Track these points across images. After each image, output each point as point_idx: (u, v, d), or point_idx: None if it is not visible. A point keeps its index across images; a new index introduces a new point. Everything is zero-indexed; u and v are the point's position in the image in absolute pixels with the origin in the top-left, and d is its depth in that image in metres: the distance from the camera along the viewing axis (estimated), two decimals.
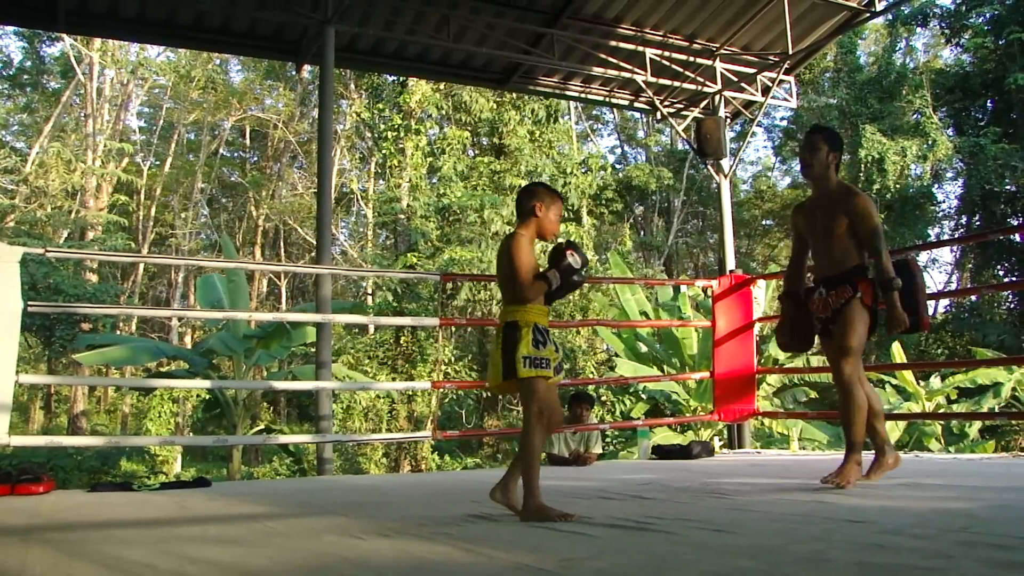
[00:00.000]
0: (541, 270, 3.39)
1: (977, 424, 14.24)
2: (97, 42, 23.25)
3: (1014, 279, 23.26)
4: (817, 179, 4.30)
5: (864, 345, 4.18)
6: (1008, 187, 23.52)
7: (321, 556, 2.47)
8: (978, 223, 24.61)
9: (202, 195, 29.39)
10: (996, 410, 13.87)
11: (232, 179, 31.76)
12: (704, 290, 12.89)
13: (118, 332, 20.50)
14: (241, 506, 4.12)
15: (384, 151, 19.80)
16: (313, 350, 9.73)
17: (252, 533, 3.05)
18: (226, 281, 13.64)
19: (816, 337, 4.44)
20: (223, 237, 19.81)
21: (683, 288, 14.88)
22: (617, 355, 14.93)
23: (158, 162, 28.68)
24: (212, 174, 29.54)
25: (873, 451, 4.37)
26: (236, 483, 9.70)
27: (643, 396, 14.62)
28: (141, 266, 26.64)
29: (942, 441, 13.50)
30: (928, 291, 4.49)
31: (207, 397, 14.73)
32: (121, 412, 25.11)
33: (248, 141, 31.57)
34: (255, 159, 32.21)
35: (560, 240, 3.72)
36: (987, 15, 24.13)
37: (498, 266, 3.50)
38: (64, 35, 21.54)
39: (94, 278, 21.27)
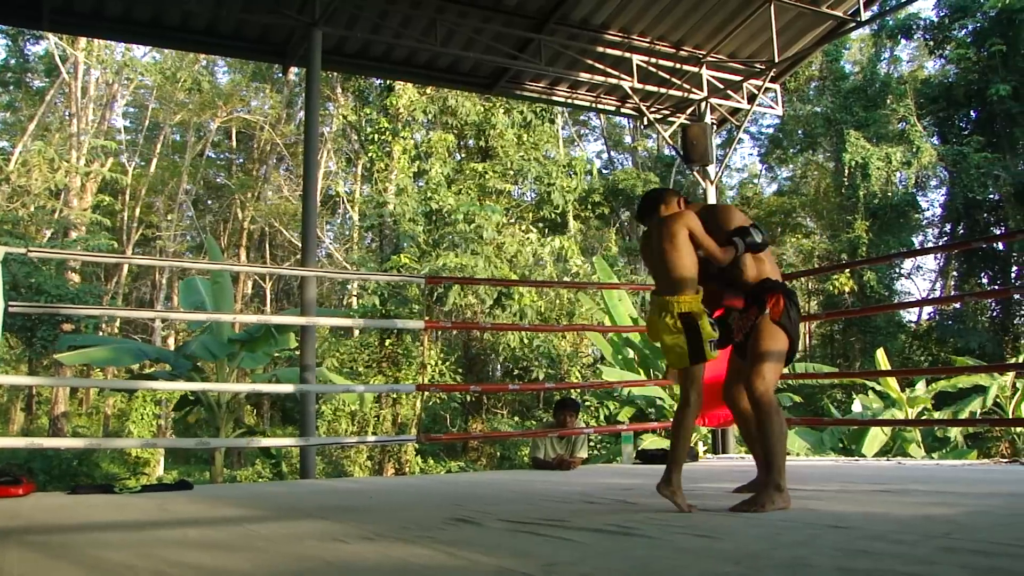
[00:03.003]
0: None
1: (958, 429, 14.32)
2: (82, 41, 23.11)
3: (997, 287, 23.45)
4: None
5: (781, 361, 3.87)
6: (991, 196, 23.73)
7: (303, 560, 2.46)
8: (961, 231, 24.82)
9: (187, 196, 29.26)
10: (978, 416, 13.98)
11: (218, 181, 31.67)
12: None
13: (100, 333, 20.38)
14: (223, 509, 4.10)
15: (371, 154, 19.78)
16: (297, 353, 9.70)
17: (233, 536, 3.04)
18: (210, 283, 13.56)
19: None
20: (208, 238, 19.71)
21: None
22: (603, 360, 14.93)
23: (143, 162, 28.54)
24: (198, 175, 29.44)
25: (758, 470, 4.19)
26: (218, 486, 9.65)
27: (635, 400, 14.62)
28: (125, 267, 26.48)
29: (922, 447, 13.57)
30: (911, 298, 4.41)
31: (182, 396, 14.62)
32: (103, 414, 24.94)
33: (234, 143, 31.47)
34: (241, 161, 32.11)
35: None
36: (969, 27, 24.41)
37: (652, 250, 3.65)
38: (49, 34, 21.42)
39: (77, 278, 21.13)
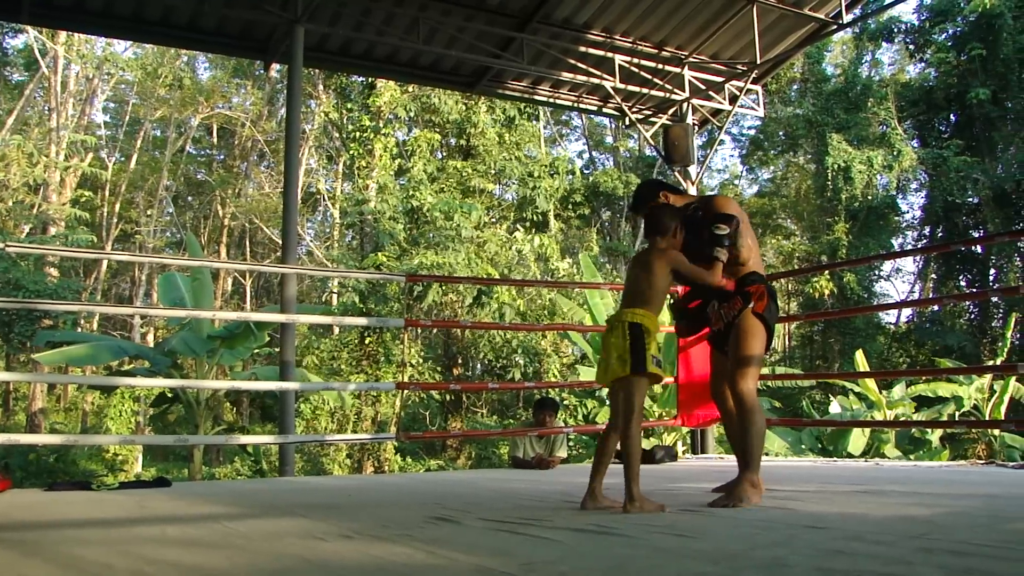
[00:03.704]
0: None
1: (939, 432, 14.45)
2: (62, 35, 22.92)
3: (975, 290, 23.67)
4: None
5: (762, 359, 3.99)
6: (970, 199, 23.94)
7: (281, 557, 2.45)
8: (941, 234, 25.02)
9: (168, 192, 29.03)
10: (956, 418, 14.11)
11: (198, 177, 31.46)
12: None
13: (79, 329, 20.21)
14: (201, 506, 4.08)
15: (352, 152, 19.72)
16: (277, 350, 9.66)
17: (212, 534, 3.02)
18: (190, 280, 13.49)
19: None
20: (188, 235, 19.60)
21: None
22: (583, 359, 14.95)
23: (123, 158, 28.32)
24: (178, 171, 29.22)
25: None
26: (197, 483, 9.60)
27: (609, 401, 14.66)
28: (104, 263, 26.28)
29: (898, 449, 13.68)
30: (890, 300, 4.45)
31: (161, 393, 14.53)
32: (81, 410, 24.74)
33: (215, 139, 31.30)
34: (222, 157, 31.92)
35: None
36: (950, 31, 24.66)
37: (635, 271, 3.74)
38: (28, 27, 21.23)
39: (56, 273, 20.95)
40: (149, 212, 28.47)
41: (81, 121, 26.29)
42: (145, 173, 28.43)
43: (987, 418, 14.14)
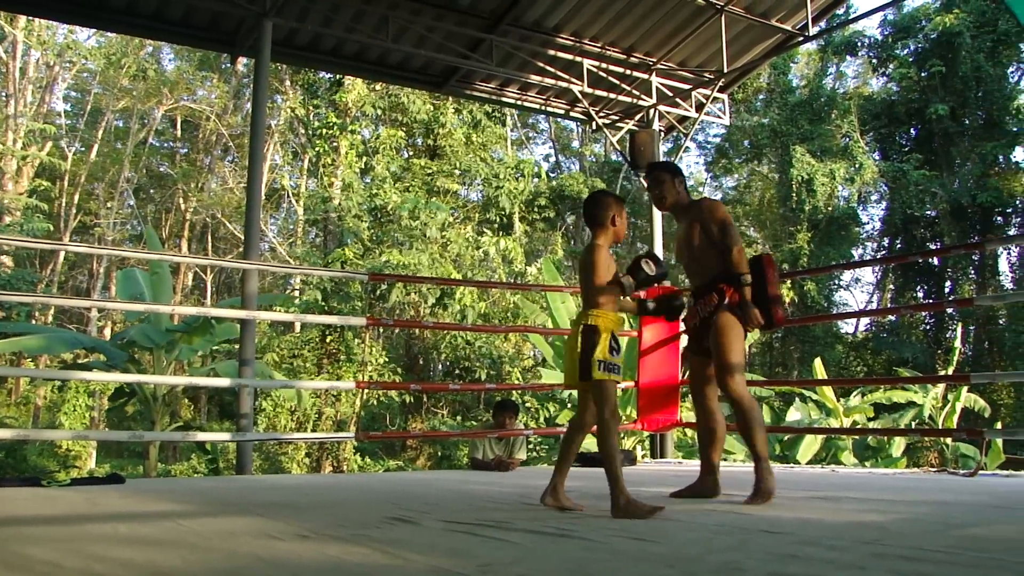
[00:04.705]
0: (619, 275, 3.65)
1: (900, 441, 14.66)
2: (22, 20, 22.53)
3: (931, 301, 24.08)
4: (673, 207, 4.34)
5: (744, 353, 4.12)
6: (928, 212, 24.36)
7: (236, 556, 2.42)
8: (900, 246, 25.45)
9: (129, 184, 28.62)
10: (912, 426, 14.34)
11: (161, 170, 31.08)
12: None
13: (33, 321, 19.87)
14: (155, 504, 4.02)
15: (318, 148, 19.59)
16: (237, 347, 9.55)
17: (165, 532, 2.97)
18: (149, 274, 13.29)
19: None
20: (148, 228, 19.30)
21: None
22: (544, 362, 14.96)
23: (83, 148, 27.86)
24: (140, 163, 28.82)
25: (700, 470, 4.33)
26: (151, 480, 9.48)
27: (569, 404, 14.68)
28: (61, 254, 25.84)
29: (856, 457, 13.86)
30: (849, 310, 4.55)
31: (117, 388, 14.31)
32: (33, 404, 24.32)
33: (179, 132, 30.94)
34: (185, 150, 31.57)
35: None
36: (911, 48, 25.13)
37: (581, 274, 3.75)
38: None
39: (10, 263, 20.59)
40: (109, 204, 28.03)
41: (40, 109, 25.86)
42: (106, 164, 27.99)
43: (940, 427, 14.38)
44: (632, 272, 3.68)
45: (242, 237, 17.49)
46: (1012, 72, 25.02)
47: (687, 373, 4.48)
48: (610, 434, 3.44)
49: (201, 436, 10.75)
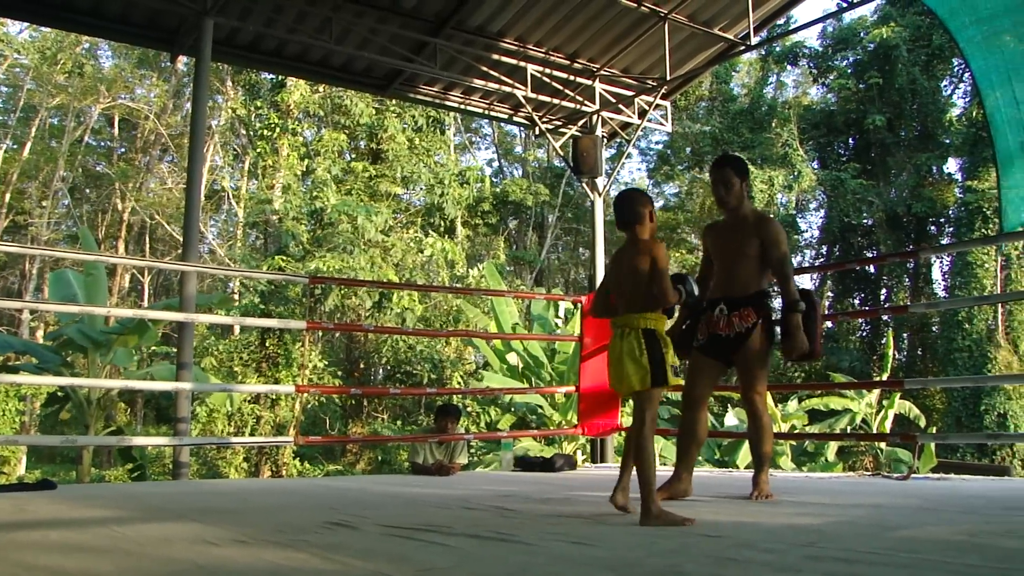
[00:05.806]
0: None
1: (834, 446, 14.93)
2: None
3: (868, 308, 24.59)
4: (734, 210, 4.40)
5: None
6: (865, 220, 24.88)
7: (171, 563, 2.38)
8: (837, 253, 25.94)
9: (63, 184, 27.95)
10: (848, 432, 14.62)
11: (97, 169, 30.38)
12: (574, 304, 13.05)
13: None
14: (88, 510, 3.92)
15: (259, 150, 19.36)
16: (175, 350, 9.38)
17: (98, 538, 2.90)
18: (83, 276, 12.98)
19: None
20: (82, 229, 18.88)
21: (562, 304, 14.98)
22: (486, 366, 14.95)
23: (15, 146, 27.12)
24: (76, 162, 28.17)
25: (673, 471, 4.45)
26: (84, 486, 9.25)
27: (517, 408, 14.69)
28: None
29: (793, 462, 14.08)
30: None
31: (51, 392, 13.97)
32: None
33: (116, 131, 30.27)
34: (123, 150, 30.92)
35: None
36: (850, 59, 25.70)
37: (621, 268, 3.57)
38: None
39: None
40: (43, 203, 27.35)
41: None
42: (40, 163, 27.28)
43: (874, 431, 14.69)
44: (682, 283, 3.61)
45: (181, 239, 17.21)
46: (945, 86, 25.73)
47: (686, 366, 4.49)
48: (651, 440, 3.43)
49: (137, 440, 10.56)
